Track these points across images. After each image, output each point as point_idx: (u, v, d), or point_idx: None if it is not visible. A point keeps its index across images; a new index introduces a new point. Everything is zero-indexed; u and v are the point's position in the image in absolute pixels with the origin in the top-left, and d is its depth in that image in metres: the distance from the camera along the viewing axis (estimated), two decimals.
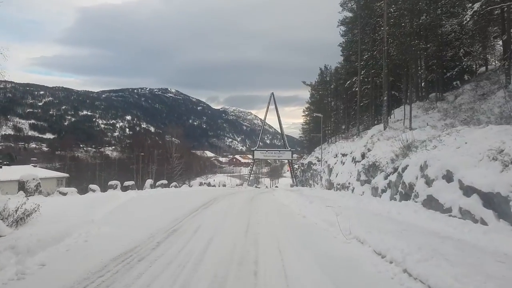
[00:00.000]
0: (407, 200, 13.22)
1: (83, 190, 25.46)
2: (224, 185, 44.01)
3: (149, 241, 8.97)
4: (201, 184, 36.97)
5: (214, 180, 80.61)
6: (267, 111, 69.27)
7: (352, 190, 20.74)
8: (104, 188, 26.94)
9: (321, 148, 38.35)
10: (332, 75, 64.44)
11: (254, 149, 69.48)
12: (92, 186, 24.45)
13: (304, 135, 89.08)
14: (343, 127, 65.32)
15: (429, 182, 11.97)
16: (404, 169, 14.51)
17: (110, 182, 26.42)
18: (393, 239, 7.86)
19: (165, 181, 31.71)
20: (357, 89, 37.65)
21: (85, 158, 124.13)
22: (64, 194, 22.89)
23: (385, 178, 17.02)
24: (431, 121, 23.92)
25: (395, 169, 16.17)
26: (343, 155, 24.55)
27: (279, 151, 70.20)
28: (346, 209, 13.40)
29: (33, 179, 20.90)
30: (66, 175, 71.23)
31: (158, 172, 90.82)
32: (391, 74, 36.19)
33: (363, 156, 21.90)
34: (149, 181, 29.78)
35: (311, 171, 62.54)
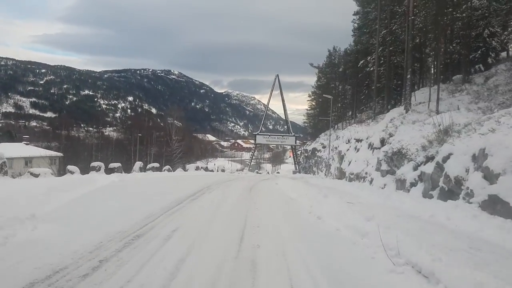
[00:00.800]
0: (455, 200, 10.05)
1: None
2: (223, 170, 40.91)
3: (90, 256, 5.85)
4: (197, 168, 33.87)
5: (214, 165, 77.90)
6: (271, 93, 65.88)
7: (370, 182, 17.58)
8: (86, 170, 23.90)
9: (329, 133, 35.13)
10: (341, 58, 60.77)
11: (256, 133, 66.23)
12: (70, 167, 21.40)
13: (308, 120, 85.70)
14: (350, 113, 61.95)
15: (491, 177, 8.79)
16: (446, 158, 11.32)
17: (93, 164, 23.41)
18: (479, 273, 4.73)
19: (156, 164, 28.66)
20: (372, 68, 34.16)
21: (84, 137, 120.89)
22: (36, 175, 19.88)
23: (415, 168, 13.84)
24: (461, 104, 20.63)
25: (429, 158, 12.97)
26: (358, 140, 21.32)
27: (282, 136, 66.90)
28: (373, 207, 10.26)
29: None
30: (60, 154, 68.38)
31: (157, 155, 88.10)
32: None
33: (382, 142, 18.69)
34: (138, 164, 26.73)
35: (315, 158, 59.39)
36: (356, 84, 53.59)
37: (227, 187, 18.67)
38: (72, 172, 20.91)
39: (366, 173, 18.38)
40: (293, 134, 64.82)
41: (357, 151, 21.02)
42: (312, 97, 79.04)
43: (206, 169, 36.16)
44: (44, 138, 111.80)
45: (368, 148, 19.74)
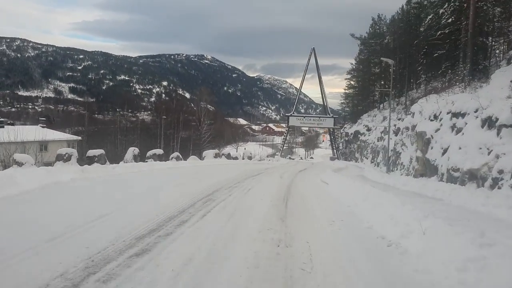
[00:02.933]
0: None
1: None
2: (250, 157, 32.92)
3: None
4: (217, 155, 26.03)
5: (243, 150, 70.57)
6: (306, 67, 57.15)
7: None
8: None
9: (389, 109, 26.25)
10: (389, 26, 51.02)
11: (289, 114, 57.81)
12: (18, 156, 13.86)
13: (346, 101, 76.13)
14: (392, 92, 52.33)
15: None
16: None
17: (60, 151, 15.91)
18: None
19: (159, 151, 21.03)
20: (451, 19, 24.83)
21: (109, 121, 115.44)
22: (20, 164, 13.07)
23: None
24: None
25: None
26: (457, 115, 12.73)
27: (319, 117, 58.20)
28: None
29: None
30: (78, 137, 62.43)
31: (184, 139, 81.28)
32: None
33: None
34: (131, 151, 19.18)
35: (358, 143, 50.46)
36: (408, 55, 44.06)
37: (244, 193, 10.69)
38: (20, 164, 13.40)
39: (489, 170, 9.89)
40: (331, 115, 56.01)
41: (458, 132, 12.54)
42: (352, 74, 69.30)
43: (228, 156, 28.28)
44: (75, 122, 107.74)
45: (485, 127, 11.18)
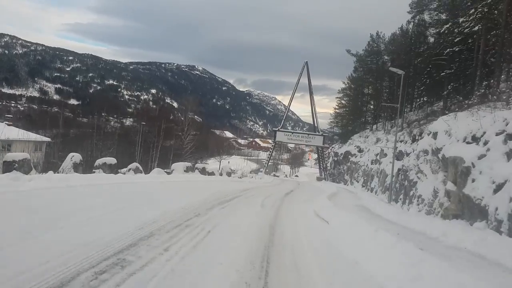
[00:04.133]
0: None
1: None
2: (230, 173, 28.35)
3: None
4: (188, 169, 21.43)
5: (224, 164, 66.36)
6: (298, 80, 53.20)
7: None
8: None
9: (396, 126, 22.00)
10: (387, 44, 47.57)
11: (277, 129, 53.61)
12: None
13: (336, 120, 72.37)
14: (382, 114, 48.69)
15: None
16: None
17: None
18: None
19: (111, 160, 16.39)
20: (476, 27, 20.96)
21: (87, 124, 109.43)
22: None
23: None
24: None
25: None
26: None
27: (308, 134, 54.13)
28: None
29: None
30: (47, 139, 56.99)
31: (166, 148, 76.26)
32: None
33: None
34: (70, 157, 14.51)
35: (348, 164, 46.35)
36: (407, 75, 40.39)
37: (187, 258, 6.00)
38: None
39: None
40: (321, 133, 51.96)
41: None
42: (344, 92, 65.64)
43: (203, 170, 23.68)
44: (54, 123, 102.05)
45: None
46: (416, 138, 19.85)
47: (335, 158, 51.51)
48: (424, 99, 38.75)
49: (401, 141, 26.67)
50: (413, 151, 19.75)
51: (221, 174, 26.71)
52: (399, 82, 44.58)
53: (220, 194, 14.49)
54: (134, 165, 17.84)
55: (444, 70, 31.02)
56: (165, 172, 20.61)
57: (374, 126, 50.34)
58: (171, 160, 71.25)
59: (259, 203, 13.54)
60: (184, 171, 21.29)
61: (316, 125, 55.02)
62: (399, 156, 25.94)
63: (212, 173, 25.20)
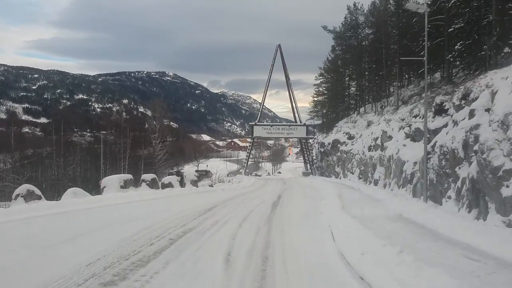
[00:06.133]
0: None
1: None
2: (197, 181, 21.20)
3: None
4: (127, 185, 14.13)
5: (191, 170, 59.76)
6: (272, 65, 46.45)
7: None
8: None
9: (425, 96, 14.80)
10: (366, 15, 41.27)
11: (253, 123, 46.71)
12: None
13: (316, 109, 65.95)
14: (367, 97, 42.47)
15: None
16: None
17: None
18: None
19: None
20: None
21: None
22: None
23: None
24: None
25: None
26: None
27: (289, 126, 47.42)
28: None
29: None
30: None
31: (136, 158, 68.43)
32: None
33: None
34: None
35: (338, 154, 39.87)
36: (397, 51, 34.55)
37: None
38: None
39: None
40: (303, 123, 45.31)
41: None
42: (322, 78, 59.23)
43: (152, 183, 16.51)
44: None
45: None
46: (462, 102, 13.20)
47: (322, 149, 44.98)
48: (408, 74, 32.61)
49: (414, 117, 20.14)
50: (453, 123, 13.15)
51: (182, 186, 19.52)
52: (390, 55, 38.39)
53: (143, 241, 7.51)
54: (24, 188, 10.62)
55: (452, 26, 24.84)
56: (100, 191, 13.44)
57: (362, 109, 44.03)
58: (142, 170, 63.35)
59: (221, 256, 6.48)
60: (121, 186, 14.15)
61: (296, 113, 48.36)
62: (416, 135, 19.39)
63: (169, 185, 18.05)
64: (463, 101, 13.08)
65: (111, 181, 14.41)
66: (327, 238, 8.06)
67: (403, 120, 24.33)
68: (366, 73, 43.08)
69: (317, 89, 63.25)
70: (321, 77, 59.74)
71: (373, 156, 27.06)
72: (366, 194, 19.17)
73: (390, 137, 24.22)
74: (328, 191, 21.55)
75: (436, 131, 16.79)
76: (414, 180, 16.79)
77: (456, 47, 25.08)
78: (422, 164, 15.74)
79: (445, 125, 15.92)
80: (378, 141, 26.62)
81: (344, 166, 36.86)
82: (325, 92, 60.96)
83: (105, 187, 14.26)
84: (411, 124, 19.89)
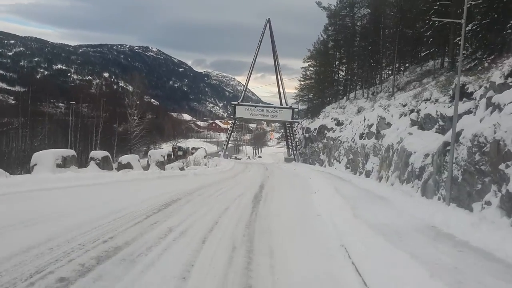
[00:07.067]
0: None
1: None
2: (164, 163, 17.75)
3: None
4: (65, 163, 10.58)
5: (159, 149, 56.68)
6: (260, 41, 42.78)
7: None
8: None
9: (458, 81, 11.68)
10: None
11: (236, 103, 43.20)
12: None
13: (302, 94, 62.75)
14: (359, 83, 39.43)
15: None
16: None
17: None
18: None
19: None
20: None
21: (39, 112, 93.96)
22: None
23: None
24: None
25: None
26: None
27: (274, 108, 44.10)
28: None
29: None
30: None
31: (110, 133, 64.16)
32: None
33: None
34: None
35: (325, 141, 36.93)
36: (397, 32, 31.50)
37: None
38: None
39: None
40: (290, 106, 42.09)
41: None
42: (310, 62, 55.90)
43: (105, 162, 13.01)
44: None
45: None
46: (508, 80, 10.12)
47: (306, 135, 41.95)
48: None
49: (425, 101, 17.10)
50: (490, 107, 10.16)
51: (146, 166, 16.05)
52: (388, 37, 35.29)
53: None
54: None
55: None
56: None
57: (352, 95, 41.04)
58: (115, 146, 59.10)
59: None
60: (58, 165, 10.67)
61: (283, 95, 44.98)
62: (425, 123, 16.42)
63: (127, 166, 14.58)
64: (510, 79, 10.01)
65: (45, 158, 10.93)
66: (348, 274, 4.91)
67: (404, 106, 21.39)
68: (356, 57, 39.93)
69: (304, 72, 60.01)
70: (309, 60, 56.42)
71: (366, 145, 24.11)
72: (363, 188, 16.16)
73: (389, 124, 21.26)
74: (317, 181, 18.52)
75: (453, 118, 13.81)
76: (424, 175, 13.82)
77: (467, 28, 22.07)
78: (439, 157, 12.77)
79: (468, 111, 12.96)
80: (373, 128, 23.65)
81: (330, 154, 33.97)
82: (312, 76, 57.78)
83: (35, 164, 10.76)
84: (419, 110, 16.87)
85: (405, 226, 7.60)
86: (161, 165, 16.98)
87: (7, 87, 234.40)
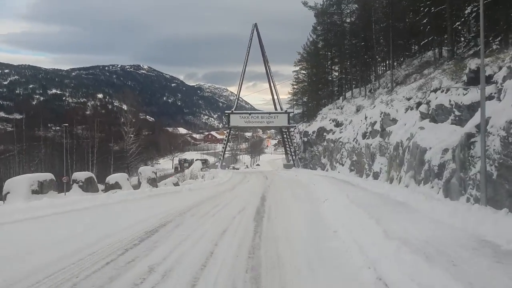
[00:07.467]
0: None
1: None
2: (155, 179, 16.03)
3: None
4: (41, 189, 8.82)
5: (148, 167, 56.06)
6: (249, 47, 41.34)
7: None
8: None
9: (482, 64, 10.09)
10: None
11: (230, 112, 41.61)
12: None
13: (296, 98, 61.23)
14: (354, 82, 37.93)
15: None
16: None
17: None
18: None
19: None
20: None
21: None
22: None
23: None
24: None
25: None
26: None
27: (269, 114, 42.46)
28: None
29: None
30: None
31: (106, 152, 62.58)
32: None
33: None
34: None
35: (324, 144, 35.31)
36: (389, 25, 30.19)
37: None
38: None
39: None
40: (285, 110, 40.50)
41: None
42: (301, 65, 54.49)
43: (88, 184, 11.29)
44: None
45: None
46: None
47: (305, 139, 40.28)
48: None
49: (434, 91, 15.47)
50: None
51: (137, 184, 14.28)
52: (383, 31, 33.87)
53: None
54: None
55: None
56: None
57: (348, 94, 39.51)
58: (112, 165, 57.34)
59: None
60: (34, 191, 8.99)
61: (277, 99, 43.35)
62: (437, 115, 14.84)
63: (115, 186, 12.85)
64: None
65: (18, 184, 9.29)
66: None
67: (409, 99, 19.80)
68: (348, 55, 38.47)
69: (296, 76, 58.62)
70: (300, 63, 55.03)
71: (371, 144, 22.44)
72: (375, 193, 14.45)
73: (394, 120, 19.62)
74: (322, 188, 16.82)
75: (473, 106, 12.23)
76: (445, 173, 12.14)
77: (466, 11, 20.58)
78: (461, 151, 11.10)
79: (490, 97, 11.32)
80: (377, 126, 22.01)
81: (332, 157, 32.28)
82: (304, 79, 56.37)
83: (8, 193, 9.08)
84: (429, 101, 15.25)
85: (449, 242, 5.91)
86: (152, 182, 15.25)
87: (5, 115, 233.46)
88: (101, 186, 14.08)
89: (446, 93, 14.37)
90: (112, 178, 13.63)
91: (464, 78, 13.57)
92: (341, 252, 6.02)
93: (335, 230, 7.66)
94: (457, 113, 13.35)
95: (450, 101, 13.57)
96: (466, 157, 10.84)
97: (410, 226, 7.09)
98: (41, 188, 10.05)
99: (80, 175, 12.55)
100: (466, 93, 12.82)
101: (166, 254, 5.96)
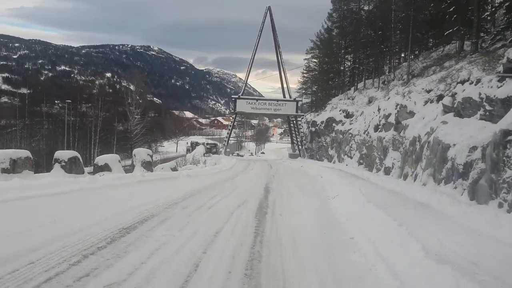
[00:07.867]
0: None
1: None
2: (150, 163, 14.69)
3: None
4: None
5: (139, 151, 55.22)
6: (261, 30, 39.63)
7: None
8: None
9: None
10: None
11: (236, 96, 40.07)
12: None
13: (305, 86, 59.44)
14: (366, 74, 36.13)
15: None
16: None
17: None
18: None
19: None
20: None
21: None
22: None
23: None
24: None
25: None
26: None
27: (277, 101, 40.87)
28: None
29: None
30: None
31: (110, 132, 61.79)
32: None
33: None
34: None
35: (333, 135, 33.83)
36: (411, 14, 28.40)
37: None
38: None
39: None
40: (294, 98, 38.90)
41: None
42: (313, 53, 52.62)
43: (69, 166, 10.03)
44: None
45: None
46: None
47: (313, 129, 38.76)
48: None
49: (462, 82, 13.92)
50: None
51: (130, 167, 12.95)
52: (401, 22, 32.09)
53: None
54: None
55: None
56: None
57: (360, 85, 37.82)
58: (115, 145, 56.40)
59: None
60: (4, 169, 7.90)
61: (286, 86, 41.74)
62: (464, 108, 13.39)
63: (104, 168, 11.54)
64: None
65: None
66: None
67: (429, 92, 18.21)
68: (363, 44, 36.67)
69: (307, 64, 56.75)
70: (312, 51, 53.18)
71: (383, 138, 20.97)
72: (389, 190, 13.06)
73: (412, 113, 18.12)
74: (330, 181, 15.46)
75: (508, 100, 10.73)
76: (472, 174, 10.74)
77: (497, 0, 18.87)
78: (494, 150, 9.66)
79: None
80: (391, 119, 20.52)
81: (340, 149, 30.85)
82: (315, 68, 54.52)
83: None
84: (454, 94, 13.71)
85: (504, 267, 4.55)
86: (147, 165, 13.92)
87: (13, 90, 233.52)
88: (91, 169, 12.80)
89: (476, 85, 12.82)
90: (101, 159, 12.24)
91: (500, 68, 12.00)
92: (364, 271, 4.67)
93: (352, 237, 6.32)
94: (488, 107, 11.83)
95: (480, 94, 12.06)
96: (500, 157, 9.41)
97: (444, 238, 5.73)
98: (13, 167, 8.74)
99: (63, 154, 11.20)
100: (501, 86, 11.29)
101: (135, 266, 4.39)
